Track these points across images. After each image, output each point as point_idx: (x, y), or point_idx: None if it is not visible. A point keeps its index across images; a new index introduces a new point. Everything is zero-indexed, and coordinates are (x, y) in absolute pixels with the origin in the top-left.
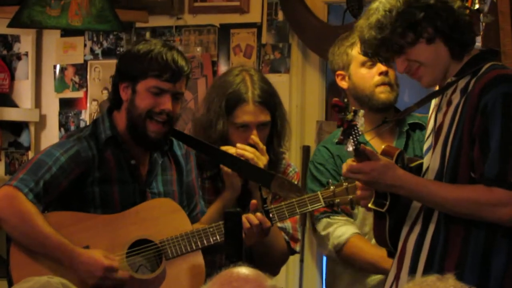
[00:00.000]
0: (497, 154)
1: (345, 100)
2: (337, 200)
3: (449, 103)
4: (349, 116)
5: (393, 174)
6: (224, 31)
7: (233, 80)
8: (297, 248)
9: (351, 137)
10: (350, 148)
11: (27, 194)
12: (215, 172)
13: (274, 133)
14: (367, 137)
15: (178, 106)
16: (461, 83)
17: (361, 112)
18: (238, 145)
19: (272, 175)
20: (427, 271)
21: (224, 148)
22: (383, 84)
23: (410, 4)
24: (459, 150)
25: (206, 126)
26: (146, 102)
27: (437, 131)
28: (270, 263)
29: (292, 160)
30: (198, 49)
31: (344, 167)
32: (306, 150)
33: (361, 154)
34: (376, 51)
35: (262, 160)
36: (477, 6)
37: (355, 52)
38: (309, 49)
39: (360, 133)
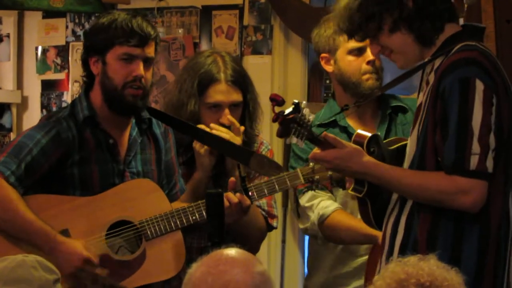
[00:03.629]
0: (453, 141)
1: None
2: (317, 177)
3: (427, 83)
4: (286, 111)
5: (357, 161)
6: (206, 12)
7: (205, 61)
8: (275, 223)
9: (293, 130)
10: (294, 140)
11: (9, 177)
12: (190, 156)
13: (246, 115)
14: (349, 121)
15: (150, 71)
16: (437, 63)
17: (303, 103)
18: (212, 125)
19: (250, 153)
20: (401, 255)
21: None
22: (369, 72)
23: None
24: (426, 135)
25: (177, 106)
26: (119, 73)
27: (416, 112)
28: (250, 240)
29: (274, 141)
30: (180, 30)
31: (311, 154)
32: None
33: (321, 142)
34: (349, 35)
35: (237, 141)
36: None
37: (343, 38)
38: (291, 30)
39: (308, 122)
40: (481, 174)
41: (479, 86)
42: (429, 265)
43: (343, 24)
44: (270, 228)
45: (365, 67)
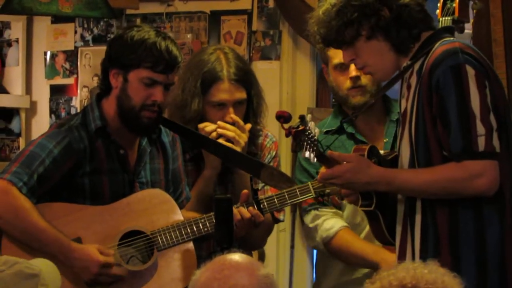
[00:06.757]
0: (458, 127)
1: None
2: (328, 191)
3: (408, 87)
4: (296, 124)
5: (367, 171)
6: (215, 17)
7: (208, 58)
8: (281, 217)
9: (305, 144)
10: (307, 154)
11: (21, 188)
12: (196, 153)
13: (250, 110)
14: (357, 128)
15: (168, 94)
16: (417, 65)
17: (309, 116)
18: (219, 122)
19: (261, 165)
20: (423, 258)
21: (202, 124)
22: (354, 88)
23: (348, 2)
24: (426, 132)
25: (181, 106)
26: (139, 95)
27: (402, 118)
28: (256, 235)
29: (283, 147)
30: (189, 36)
31: (319, 176)
32: None
33: (327, 160)
34: (323, 43)
35: (243, 138)
36: None
37: (330, 53)
38: (300, 36)
39: (315, 136)
40: (490, 154)
41: (470, 71)
42: (421, 270)
43: (321, 30)
44: (277, 221)
45: (348, 83)
